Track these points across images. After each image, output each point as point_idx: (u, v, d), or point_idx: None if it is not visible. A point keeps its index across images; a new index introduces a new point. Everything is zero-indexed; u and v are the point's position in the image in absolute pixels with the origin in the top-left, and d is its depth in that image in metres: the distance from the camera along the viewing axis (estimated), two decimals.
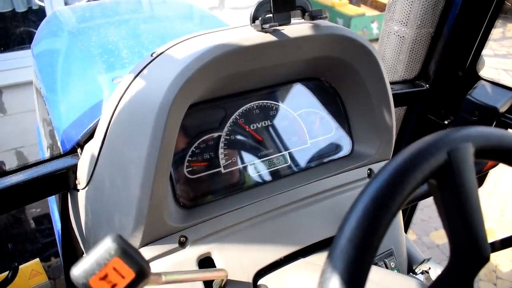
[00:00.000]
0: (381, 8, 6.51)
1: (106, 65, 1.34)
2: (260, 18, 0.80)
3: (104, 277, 0.48)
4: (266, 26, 0.80)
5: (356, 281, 0.42)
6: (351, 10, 6.28)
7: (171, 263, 0.82)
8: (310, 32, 0.86)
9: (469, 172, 0.52)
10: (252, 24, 0.82)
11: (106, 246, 0.49)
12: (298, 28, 0.85)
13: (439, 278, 0.54)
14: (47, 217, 2.87)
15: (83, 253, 1.14)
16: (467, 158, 0.52)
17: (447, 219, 0.53)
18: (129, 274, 0.49)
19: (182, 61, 0.75)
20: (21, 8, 3.52)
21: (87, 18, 1.85)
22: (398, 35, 1.44)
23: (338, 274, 0.42)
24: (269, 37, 0.81)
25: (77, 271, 0.48)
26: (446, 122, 1.48)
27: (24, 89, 3.32)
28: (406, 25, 1.40)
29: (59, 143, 1.13)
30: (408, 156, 0.50)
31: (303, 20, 0.88)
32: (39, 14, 3.62)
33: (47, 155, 1.63)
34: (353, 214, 0.46)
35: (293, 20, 0.86)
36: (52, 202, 1.69)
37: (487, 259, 0.52)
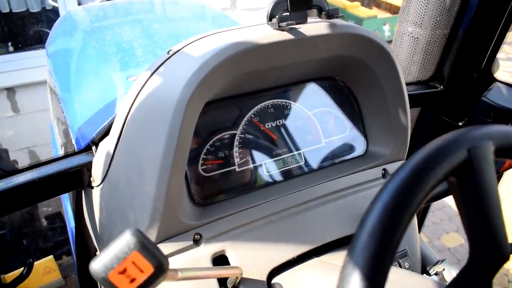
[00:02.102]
0: (393, 10, 6.49)
1: (121, 63, 1.35)
2: (277, 17, 0.80)
3: (123, 271, 0.48)
4: (283, 24, 0.80)
5: (377, 277, 0.42)
6: (363, 12, 6.26)
7: (186, 260, 0.82)
8: (327, 31, 0.86)
9: (489, 170, 0.52)
10: (269, 23, 0.82)
11: (125, 240, 0.49)
12: (314, 26, 0.85)
13: (458, 276, 0.54)
14: (58, 215, 2.88)
15: (96, 251, 1.15)
16: (488, 156, 0.52)
17: (467, 217, 0.53)
18: (148, 269, 0.49)
19: (200, 59, 0.75)
20: (34, 8, 3.55)
21: (101, 17, 1.86)
22: (412, 36, 1.43)
23: (359, 269, 0.42)
24: (286, 36, 0.81)
25: (96, 265, 0.48)
26: (460, 123, 1.47)
27: (37, 88, 3.35)
28: (420, 26, 1.40)
29: (73, 141, 1.14)
30: (429, 153, 0.49)
31: (319, 19, 0.88)
32: (53, 14, 3.65)
33: (61, 153, 1.64)
34: (374, 210, 0.45)
35: (309, 19, 0.86)
36: (66, 200, 1.70)
37: (507, 258, 0.51)
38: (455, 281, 0.54)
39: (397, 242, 0.44)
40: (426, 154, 0.49)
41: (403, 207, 0.46)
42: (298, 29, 0.83)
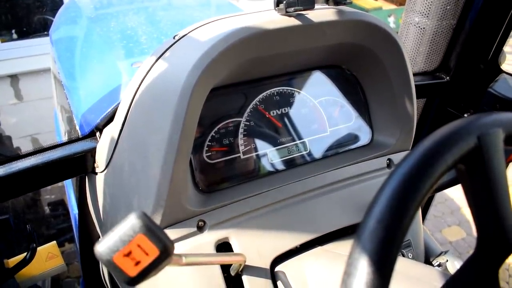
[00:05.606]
0: (399, 2, 6.44)
1: (125, 50, 1.34)
2: (284, 2, 0.80)
3: (128, 254, 0.48)
4: (291, 10, 0.79)
5: (385, 262, 0.41)
6: (368, 3, 6.21)
7: (189, 246, 0.82)
8: (334, 17, 0.85)
9: (499, 158, 0.51)
10: (276, 8, 0.81)
11: (130, 223, 0.48)
12: (322, 13, 0.84)
13: (465, 264, 0.53)
14: (61, 203, 2.89)
15: (99, 237, 1.15)
16: (498, 144, 0.51)
17: (475, 205, 0.52)
18: (153, 252, 0.49)
19: (206, 43, 0.75)
20: None
21: (105, 4, 1.85)
22: (419, 27, 1.42)
23: (367, 254, 0.42)
24: (293, 21, 0.81)
25: (101, 247, 0.48)
26: (466, 115, 1.46)
27: (40, 76, 3.35)
28: (427, 16, 1.38)
29: (77, 127, 1.14)
30: (439, 139, 0.49)
31: (327, 6, 0.88)
32: (56, 1, 3.63)
33: (65, 140, 1.64)
34: (382, 195, 0.45)
35: (317, 5, 0.85)
36: (69, 187, 1.70)
37: None
38: (461, 269, 0.53)
39: (405, 228, 0.44)
40: (436, 140, 0.49)
41: (412, 193, 0.45)
42: (306, 15, 0.82)
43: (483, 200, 0.51)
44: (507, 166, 1.30)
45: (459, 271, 0.54)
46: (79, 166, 0.97)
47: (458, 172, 0.53)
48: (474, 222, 0.53)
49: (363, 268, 0.42)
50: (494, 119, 0.52)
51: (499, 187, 0.51)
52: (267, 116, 0.97)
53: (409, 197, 0.45)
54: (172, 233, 0.82)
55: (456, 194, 3.37)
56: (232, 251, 0.85)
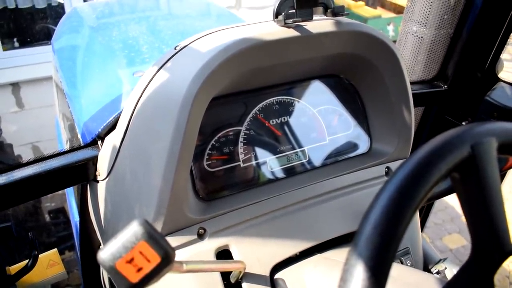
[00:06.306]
0: (398, 10, 6.47)
1: (127, 59, 1.36)
2: (283, 14, 0.81)
3: (130, 261, 0.49)
4: (289, 21, 0.81)
5: (381, 268, 0.42)
6: (367, 12, 6.24)
7: (190, 254, 0.83)
8: (332, 29, 0.86)
9: (492, 166, 0.52)
10: (275, 20, 0.83)
11: (133, 230, 0.49)
12: (320, 24, 0.86)
13: (460, 271, 0.54)
14: (62, 211, 2.90)
15: (100, 245, 1.16)
16: (491, 153, 0.53)
17: (469, 212, 0.53)
18: (155, 259, 0.50)
19: (206, 54, 0.76)
20: (40, 5, 3.56)
21: (107, 14, 1.87)
22: (417, 36, 1.44)
23: (363, 260, 0.43)
24: (292, 32, 0.82)
25: (104, 254, 0.49)
26: (464, 123, 1.47)
27: (41, 84, 3.36)
28: (425, 25, 1.40)
29: (79, 136, 1.15)
30: (433, 148, 0.50)
31: (325, 17, 0.89)
32: (58, 11, 3.66)
33: (66, 148, 1.65)
34: (378, 203, 0.46)
35: (315, 17, 0.86)
36: (70, 195, 1.71)
37: (509, 253, 0.52)
38: (457, 276, 0.54)
39: (400, 235, 0.45)
40: (429, 150, 0.50)
41: (406, 201, 0.46)
42: (304, 26, 0.84)
43: (477, 207, 0.52)
44: (504, 174, 1.31)
45: (455, 278, 0.55)
46: (81, 174, 0.98)
47: (453, 180, 0.54)
48: (469, 229, 0.54)
49: (359, 275, 0.43)
50: (487, 128, 0.54)
51: (493, 195, 0.52)
52: (266, 125, 0.98)
53: (404, 204, 0.46)
54: (173, 241, 0.83)
55: (456, 201, 3.37)
56: (232, 258, 0.86)
